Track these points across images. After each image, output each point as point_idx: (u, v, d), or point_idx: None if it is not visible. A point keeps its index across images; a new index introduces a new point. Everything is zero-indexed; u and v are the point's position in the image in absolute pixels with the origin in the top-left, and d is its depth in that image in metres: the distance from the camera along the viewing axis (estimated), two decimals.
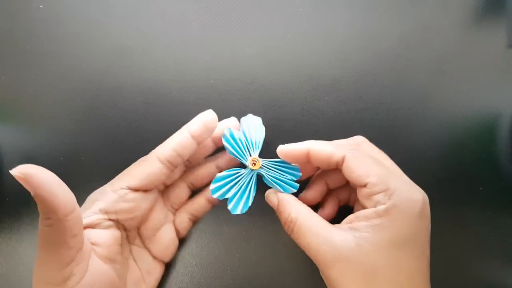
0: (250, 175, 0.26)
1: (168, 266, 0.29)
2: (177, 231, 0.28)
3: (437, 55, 0.31)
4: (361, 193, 0.23)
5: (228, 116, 0.28)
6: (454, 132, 0.30)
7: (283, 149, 0.25)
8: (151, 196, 0.25)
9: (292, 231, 0.23)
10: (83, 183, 0.29)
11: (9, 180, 0.30)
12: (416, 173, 0.30)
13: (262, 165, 0.26)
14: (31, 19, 0.31)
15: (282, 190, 0.26)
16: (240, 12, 0.31)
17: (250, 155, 0.26)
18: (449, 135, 0.30)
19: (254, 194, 0.26)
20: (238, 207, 0.26)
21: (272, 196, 0.26)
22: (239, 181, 0.26)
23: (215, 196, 0.25)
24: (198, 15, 0.31)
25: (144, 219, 0.26)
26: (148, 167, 0.24)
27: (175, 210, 0.28)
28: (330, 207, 0.28)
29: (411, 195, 0.22)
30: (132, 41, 0.31)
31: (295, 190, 0.26)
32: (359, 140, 0.26)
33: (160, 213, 0.27)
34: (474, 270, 0.30)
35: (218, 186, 0.25)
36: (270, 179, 0.26)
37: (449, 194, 0.30)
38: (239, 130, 0.27)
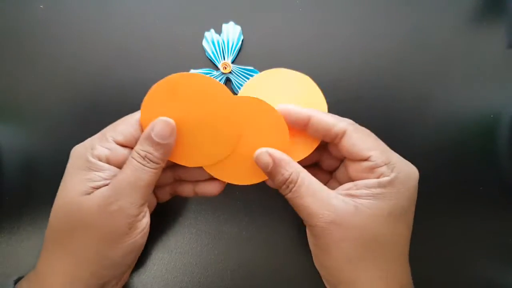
0: (220, 78, 0.29)
1: (169, 266, 0.29)
2: (157, 197, 0.28)
3: (437, 55, 0.31)
4: (360, 167, 0.23)
5: None
6: (454, 132, 0.30)
7: (284, 108, 0.24)
8: None
9: (290, 191, 0.23)
10: None
11: (9, 180, 0.30)
12: None
13: (232, 70, 0.29)
14: (31, 19, 0.31)
15: None
16: (239, 12, 0.31)
17: (224, 59, 0.29)
18: (449, 135, 0.30)
19: None
20: None
21: (264, 156, 0.23)
22: None
23: None
24: (197, 15, 0.31)
25: None
26: (132, 126, 0.24)
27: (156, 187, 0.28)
28: None
29: (409, 169, 0.23)
30: (132, 41, 0.31)
31: None
32: (352, 122, 0.25)
33: None
34: (474, 270, 0.30)
35: None
36: (237, 85, 0.29)
37: (449, 194, 0.30)
38: (220, 36, 0.30)
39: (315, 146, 0.25)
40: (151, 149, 0.23)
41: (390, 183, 0.22)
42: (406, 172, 0.23)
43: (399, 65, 0.31)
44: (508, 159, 0.30)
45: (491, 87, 0.31)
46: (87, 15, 0.31)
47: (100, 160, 0.23)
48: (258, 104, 0.24)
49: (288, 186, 0.23)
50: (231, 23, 0.31)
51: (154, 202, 0.28)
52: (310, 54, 0.31)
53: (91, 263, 0.22)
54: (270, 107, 0.24)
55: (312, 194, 0.22)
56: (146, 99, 0.24)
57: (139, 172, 0.22)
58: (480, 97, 0.30)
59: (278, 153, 0.23)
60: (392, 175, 0.22)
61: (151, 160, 0.23)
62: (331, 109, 0.30)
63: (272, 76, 0.26)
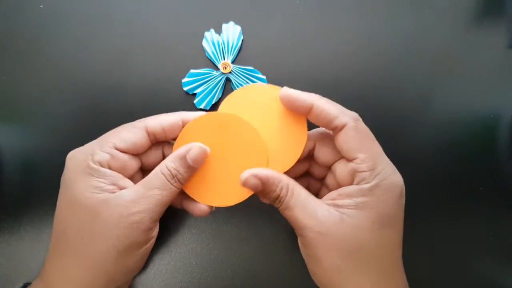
0: (220, 78, 0.30)
1: (169, 266, 0.29)
2: None
3: (437, 55, 0.31)
4: (347, 167, 0.23)
5: None
6: (454, 132, 0.30)
7: (286, 93, 0.23)
8: (134, 161, 0.25)
9: (281, 204, 0.23)
10: None
11: (9, 180, 0.30)
12: (416, 173, 0.30)
13: (232, 70, 0.29)
14: (31, 19, 0.31)
15: None
16: (239, 12, 0.31)
17: (224, 59, 0.29)
18: (449, 135, 0.30)
19: (220, 96, 0.30)
20: (202, 103, 0.30)
21: (251, 180, 0.23)
22: (209, 80, 0.30)
23: (186, 89, 0.29)
24: (197, 15, 0.31)
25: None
26: (135, 134, 0.24)
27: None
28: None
29: (393, 178, 0.22)
30: (132, 41, 0.31)
31: None
32: (356, 117, 0.24)
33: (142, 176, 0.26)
34: (474, 270, 0.30)
35: (190, 81, 0.30)
36: (237, 85, 0.29)
37: (449, 194, 0.30)
38: (219, 36, 0.30)
39: (297, 158, 0.24)
40: (182, 170, 0.23)
41: (370, 191, 0.22)
42: (390, 180, 0.22)
43: (399, 65, 0.31)
44: (508, 159, 0.30)
45: (491, 87, 0.31)
46: (87, 15, 0.31)
47: (102, 166, 0.23)
48: (234, 120, 0.24)
49: (280, 201, 0.23)
50: (231, 23, 0.31)
51: None
52: (310, 54, 0.31)
53: (108, 270, 0.22)
54: (246, 123, 0.24)
55: (300, 205, 0.22)
56: (191, 123, 0.24)
57: (166, 190, 0.23)
58: (480, 97, 0.30)
59: (264, 172, 0.23)
60: (373, 182, 0.22)
61: (178, 180, 0.23)
62: None
63: (249, 91, 0.25)
